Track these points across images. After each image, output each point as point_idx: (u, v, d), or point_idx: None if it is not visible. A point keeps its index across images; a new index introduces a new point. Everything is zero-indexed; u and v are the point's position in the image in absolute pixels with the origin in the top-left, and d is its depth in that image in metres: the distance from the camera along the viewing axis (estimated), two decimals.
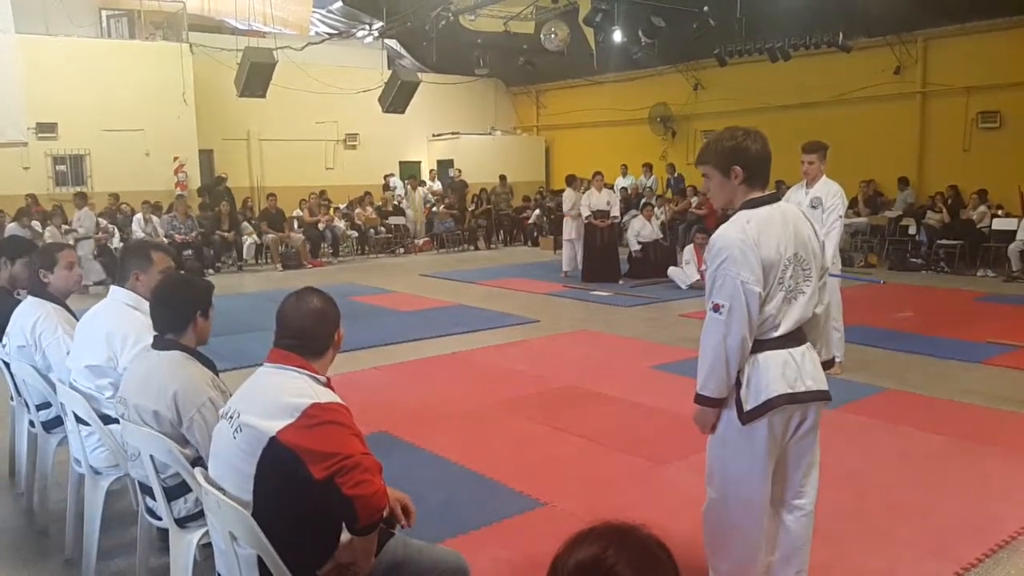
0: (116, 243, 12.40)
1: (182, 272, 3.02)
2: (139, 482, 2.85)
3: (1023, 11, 12.13)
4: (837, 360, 5.86)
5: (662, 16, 11.12)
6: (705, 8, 10.97)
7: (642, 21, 11.73)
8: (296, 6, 18.39)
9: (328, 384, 2.25)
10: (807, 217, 2.70)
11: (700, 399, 2.61)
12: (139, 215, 12.83)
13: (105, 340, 3.11)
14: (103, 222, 12.67)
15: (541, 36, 10.81)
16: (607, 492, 4.02)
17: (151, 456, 2.64)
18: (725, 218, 2.70)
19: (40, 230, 11.36)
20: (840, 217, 5.88)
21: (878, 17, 12.92)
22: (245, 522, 2.10)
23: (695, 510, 3.78)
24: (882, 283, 7.44)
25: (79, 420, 3.13)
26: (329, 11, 20.31)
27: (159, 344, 2.64)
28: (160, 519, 2.77)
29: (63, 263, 3.62)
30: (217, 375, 2.73)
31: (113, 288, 3.27)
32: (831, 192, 5.92)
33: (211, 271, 12.85)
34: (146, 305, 2.91)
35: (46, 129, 14.12)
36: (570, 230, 11.79)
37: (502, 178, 17.70)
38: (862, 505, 3.82)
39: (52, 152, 14.35)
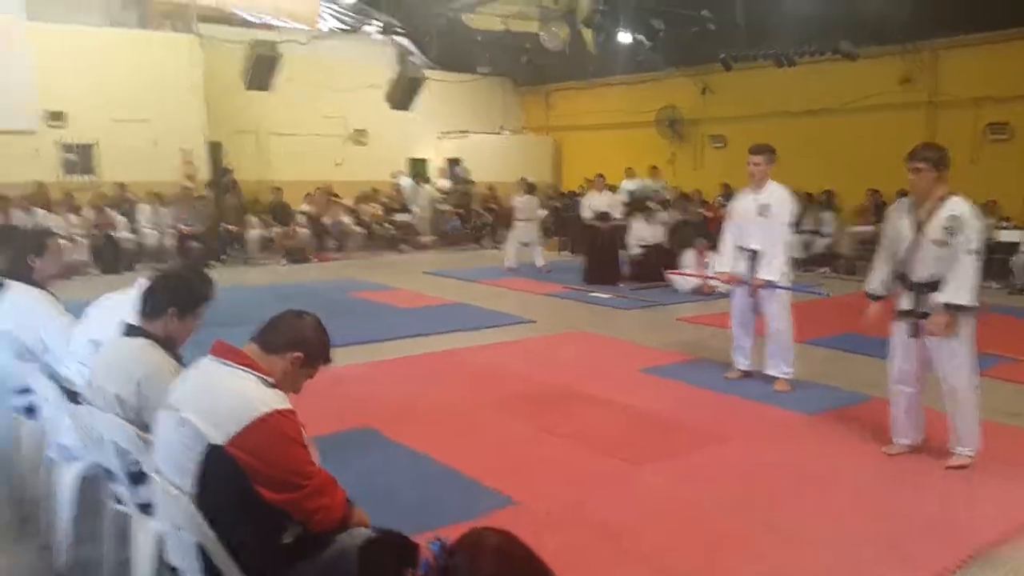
0: (121, 232, 12.47)
1: (193, 272, 2.97)
2: (104, 468, 2.87)
3: None
4: (786, 375, 5.84)
5: (661, 19, 11.09)
6: (704, 12, 10.93)
7: (641, 23, 11.72)
8: (305, 0, 18.41)
9: (276, 386, 2.23)
10: None
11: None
12: (146, 205, 12.92)
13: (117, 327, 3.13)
14: (111, 212, 12.75)
15: (541, 36, 10.80)
16: (581, 492, 4.02)
17: (113, 442, 2.67)
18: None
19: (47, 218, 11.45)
20: (789, 224, 5.75)
21: (886, 26, 12.82)
22: (187, 511, 2.11)
23: (664, 512, 3.83)
24: (827, 295, 7.37)
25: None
26: (339, 6, 20.38)
27: (128, 331, 2.66)
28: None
29: (52, 249, 3.64)
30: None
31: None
32: (780, 198, 5.74)
33: (216, 263, 12.91)
34: None
35: (55, 117, 14.19)
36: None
37: (490, 188, 17.77)
38: (830, 508, 3.82)
39: (61, 140, 14.43)
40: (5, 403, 4.03)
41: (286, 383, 2.26)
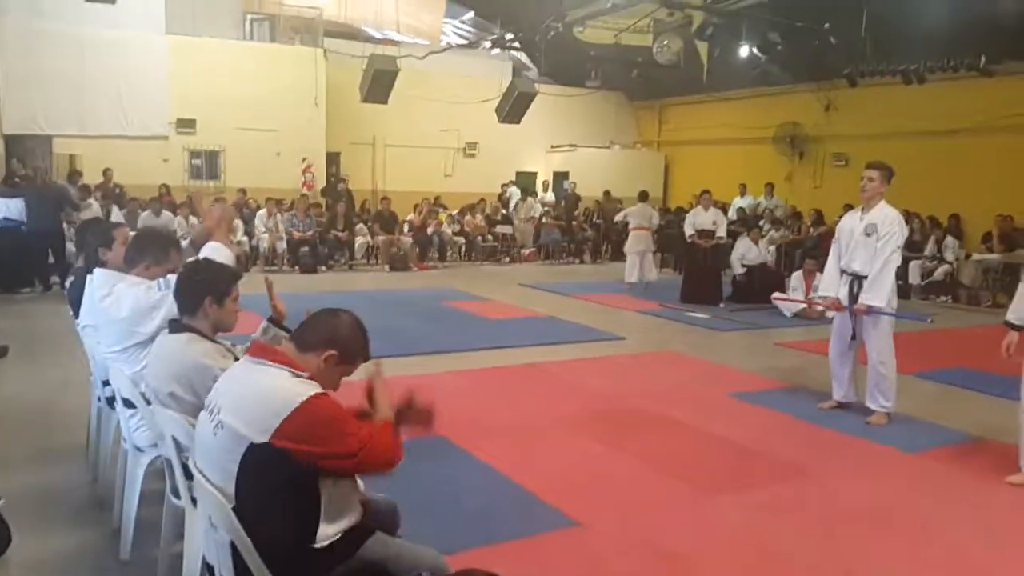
0: (240, 236, 13.07)
1: (207, 259, 3.05)
2: (167, 461, 2.97)
3: None
4: (884, 409, 5.46)
5: (779, 32, 10.74)
6: (826, 25, 10.50)
7: (758, 37, 11.38)
8: (429, 15, 18.89)
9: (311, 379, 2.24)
10: None
11: None
12: (263, 211, 13.51)
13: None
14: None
15: (654, 49, 10.65)
16: (646, 518, 3.88)
17: (172, 436, 2.74)
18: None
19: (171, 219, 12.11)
20: (897, 248, 5.36)
21: None
22: (222, 510, 2.14)
23: (734, 545, 3.63)
24: (931, 321, 6.81)
25: (124, 400, 3.29)
26: (461, 21, 20.80)
27: (172, 327, 2.74)
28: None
29: (120, 240, 3.81)
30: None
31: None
32: (888, 219, 5.38)
33: (323, 268, 13.35)
34: None
35: (185, 124, 15.09)
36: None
37: (606, 193, 17.59)
38: (919, 559, 3.51)
39: (189, 147, 15.32)
40: (95, 392, 4.26)
41: (322, 381, 2.26)
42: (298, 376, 2.18)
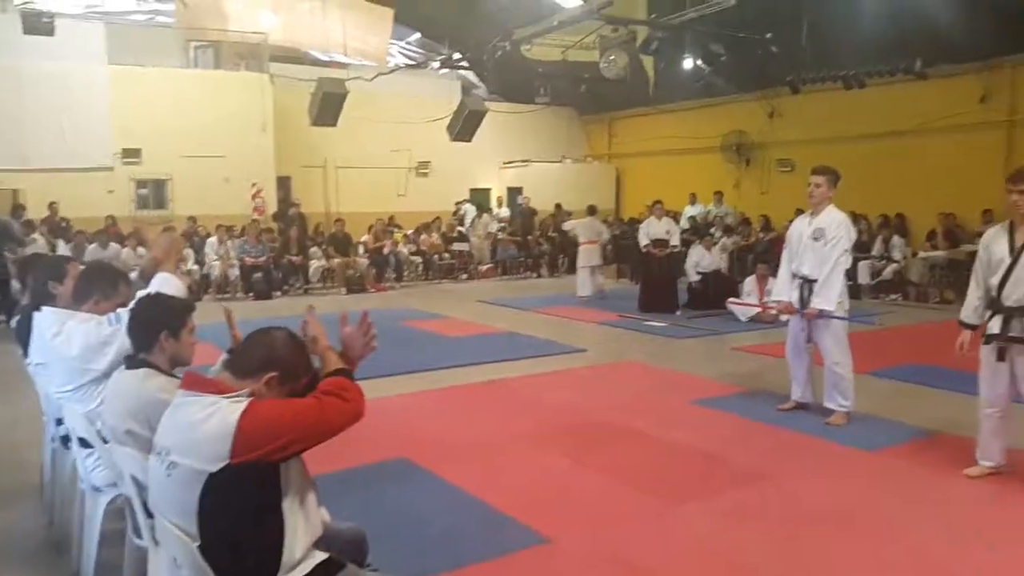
0: (191, 265, 12.86)
1: (158, 293, 2.99)
2: (127, 500, 2.90)
3: None
4: (843, 408, 5.57)
5: (722, 43, 10.96)
6: (768, 35, 10.75)
7: (701, 49, 11.60)
8: (375, 37, 18.86)
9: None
10: None
11: None
12: (213, 238, 13.33)
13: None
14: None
15: (601, 65, 10.79)
16: (614, 530, 3.88)
17: (131, 475, 2.68)
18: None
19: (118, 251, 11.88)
20: (845, 251, 5.48)
21: (961, 43, 12.37)
22: (186, 548, 2.10)
23: (703, 553, 3.66)
24: (878, 324, 7.00)
25: (80, 440, 3.21)
26: (408, 43, 20.83)
27: (128, 363, 2.69)
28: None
29: (72, 274, 3.72)
30: None
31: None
32: (836, 223, 5.50)
33: (278, 293, 13.20)
34: None
35: (131, 155, 14.84)
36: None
37: (557, 207, 17.75)
38: (884, 558, 3.58)
39: (136, 176, 15.06)
40: (48, 432, 4.15)
41: None
42: (228, 396, 2.13)
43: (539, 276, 16.40)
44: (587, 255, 12.44)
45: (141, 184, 15.15)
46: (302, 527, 2.24)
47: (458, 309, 11.51)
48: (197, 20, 16.38)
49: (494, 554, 3.64)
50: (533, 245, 16.73)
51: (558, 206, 17.80)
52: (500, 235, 16.71)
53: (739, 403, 6.18)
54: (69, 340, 3.19)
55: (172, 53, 15.94)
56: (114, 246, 12.03)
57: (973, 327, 4.41)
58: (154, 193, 15.30)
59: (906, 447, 5.09)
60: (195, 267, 12.75)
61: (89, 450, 3.21)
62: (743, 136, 17.34)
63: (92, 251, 11.50)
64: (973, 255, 12.25)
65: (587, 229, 12.64)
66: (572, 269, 17.20)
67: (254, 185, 16.04)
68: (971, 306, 4.41)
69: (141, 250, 11.82)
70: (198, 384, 2.18)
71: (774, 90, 15.49)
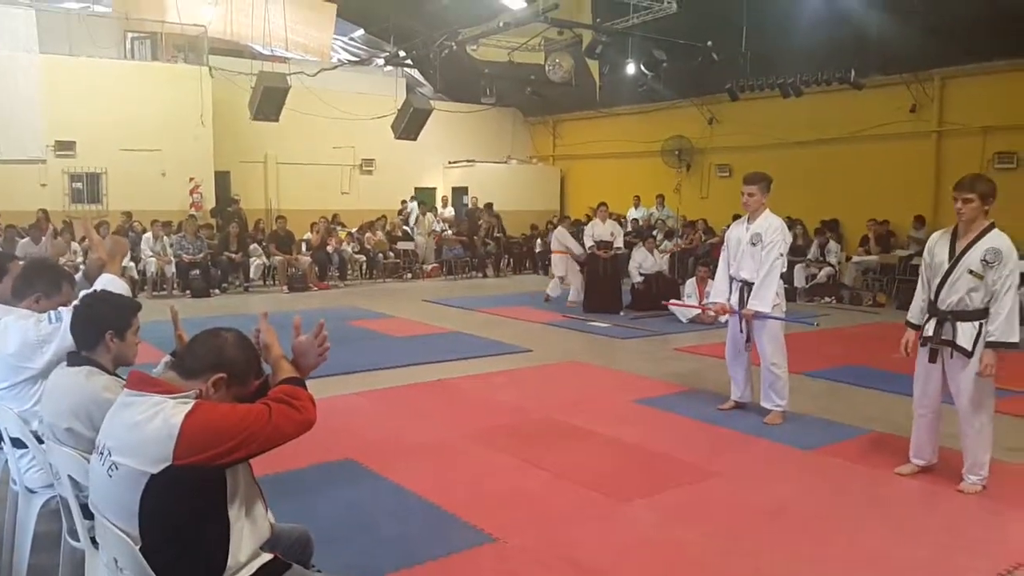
0: (126, 262, 12.51)
1: (104, 291, 2.92)
2: (63, 501, 2.82)
3: None
4: (779, 408, 5.73)
5: (664, 50, 11.16)
6: (709, 43, 10.98)
7: (644, 55, 11.78)
8: (318, 32, 18.63)
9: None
10: None
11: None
12: (148, 234, 13.00)
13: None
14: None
15: (546, 67, 10.87)
16: (562, 528, 3.92)
17: (69, 475, 2.61)
18: None
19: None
20: (781, 255, 5.63)
21: (894, 55, 12.82)
22: (127, 549, 2.06)
23: (648, 549, 3.72)
24: (817, 325, 7.24)
25: (13, 440, 3.11)
26: (351, 39, 20.62)
27: (71, 360, 2.62)
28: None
29: (13, 271, 3.61)
30: None
31: None
32: (772, 228, 5.64)
33: (217, 291, 12.94)
34: None
35: (64, 147, 14.37)
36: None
37: (487, 206, 17.72)
38: (821, 552, 3.69)
39: (69, 170, 14.59)
40: None
41: None
42: (174, 397, 2.10)
43: (484, 276, 16.41)
44: (555, 264, 12.34)
45: (75, 177, 14.68)
46: (248, 532, 2.21)
47: (403, 309, 11.44)
48: (135, 10, 15.96)
49: (442, 554, 3.63)
50: (479, 245, 16.74)
51: (488, 205, 17.78)
52: (446, 234, 16.66)
53: (681, 402, 6.29)
54: (6, 336, 3.09)
55: (109, 44, 15.47)
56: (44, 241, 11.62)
57: (918, 327, 4.53)
58: (88, 186, 14.83)
59: (840, 446, 5.25)
60: (131, 264, 12.40)
61: (23, 450, 3.11)
62: (684, 141, 17.63)
63: (24, 245, 11.10)
64: (905, 260, 12.76)
65: (555, 239, 12.55)
66: (517, 270, 17.35)
67: (192, 180, 15.69)
68: (917, 307, 4.54)
69: (75, 245, 11.47)
70: (144, 384, 2.13)
71: (714, 96, 15.80)
